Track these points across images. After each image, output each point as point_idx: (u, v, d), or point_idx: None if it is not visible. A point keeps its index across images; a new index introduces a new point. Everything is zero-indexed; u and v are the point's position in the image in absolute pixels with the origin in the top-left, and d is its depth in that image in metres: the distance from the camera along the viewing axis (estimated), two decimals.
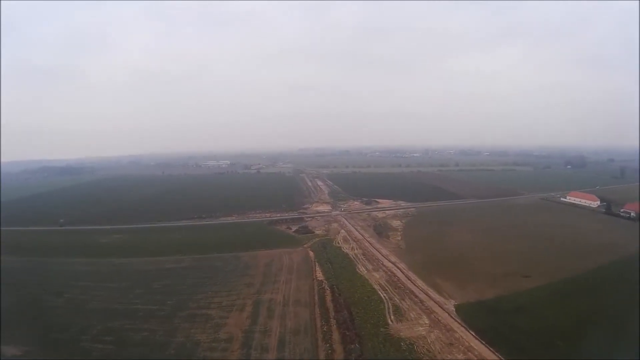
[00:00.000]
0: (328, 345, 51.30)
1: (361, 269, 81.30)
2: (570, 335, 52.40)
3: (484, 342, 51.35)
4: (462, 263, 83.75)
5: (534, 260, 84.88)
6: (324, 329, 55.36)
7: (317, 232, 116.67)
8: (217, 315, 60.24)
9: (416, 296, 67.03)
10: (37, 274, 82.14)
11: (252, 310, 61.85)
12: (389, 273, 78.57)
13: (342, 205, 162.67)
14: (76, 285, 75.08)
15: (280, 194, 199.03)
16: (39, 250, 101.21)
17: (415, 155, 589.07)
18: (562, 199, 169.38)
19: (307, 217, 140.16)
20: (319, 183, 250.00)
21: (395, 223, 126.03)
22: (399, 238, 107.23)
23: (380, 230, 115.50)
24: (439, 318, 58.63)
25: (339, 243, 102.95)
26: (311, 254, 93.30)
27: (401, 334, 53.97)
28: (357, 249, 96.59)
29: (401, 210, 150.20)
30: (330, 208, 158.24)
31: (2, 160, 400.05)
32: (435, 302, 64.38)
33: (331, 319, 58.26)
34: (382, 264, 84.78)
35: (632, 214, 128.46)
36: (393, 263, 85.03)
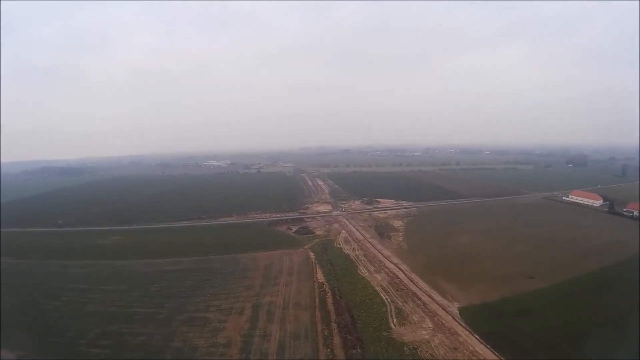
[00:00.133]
0: (329, 350, 50.14)
1: (363, 271, 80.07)
2: (576, 338, 51.45)
3: (488, 347, 50.23)
4: (465, 264, 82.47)
5: (537, 260, 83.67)
6: (325, 333, 54.20)
7: (317, 232, 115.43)
8: (215, 318, 59.11)
9: (419, 298, 65.81)
10: (35, 276, 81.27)
11: (251, 313, 60.68)
12: (391, 275, 77.33)
13: (342, 205, 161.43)
14: (74, 287, 74.23)
15: (281, 194, 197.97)
16: (36, 251, 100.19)
17: (416, 154, 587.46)
18: (564, 198, 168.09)
19: (308, 218, 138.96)
20: (320, 182, 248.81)
21: (397, 223, 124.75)
22: (401, 239, 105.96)
23: (382, 230, 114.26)
24: (443, 321, 57.43)
25: (340, 244, 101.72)
26: (312, 255, 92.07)
27: (404, 338, 52.81)
28: (358, 250, 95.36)
29: (402, 210, 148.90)
30: (331, 208, 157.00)
31: (2, 160, 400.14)
32: (438, 304, 63.19)
33: (332, 323, 57.07)
34: (384, 265, 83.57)
35: (634, 213, 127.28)
36: (395, 264, 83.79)
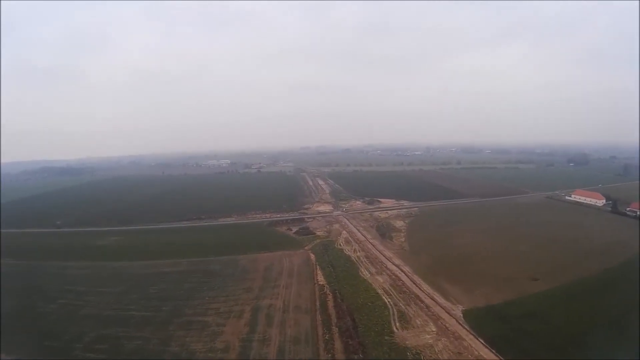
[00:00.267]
0: (330, 355, 48.87)
1: (364, 273, 78.69)
2: (583, 341, 50.20)
3: (493, 351, 48.98)
4: (469, 265, 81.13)
5: (541, 261, 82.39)
6: (326, 338, 52.88)
7: (318, 233, 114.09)
8: (213, 322, 57.83)
9: (422, 301, 64.47)
10: (32, 278, 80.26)
11: (250, 317, 59.38)
12: (393, 277, 75.95)
13: (343, 205, 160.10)
14: (70, 290, 73.13)
15: (281, 194, 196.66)
16: (34, 252, 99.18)
17: (416, 153, 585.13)
18: (567, 197, 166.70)
19: (308, 218, 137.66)
20: (320, 182, 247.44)
21: (398, 223, 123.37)
22: (403, 239, 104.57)
23: (383, 231, 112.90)
24: (447, 325, 56.10)
25: (340, 245, 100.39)
26: (312, 256, 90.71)
27: (407, 342, 51.49)
28: (359, 251, 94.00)
29: (404, 210, 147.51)
30: (332, 208, 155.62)
31: (2, 160, 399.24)
32: (442, 307, 61.86)
33: (333, 327, 55.73)
34: (386, 266, 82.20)
35: (638, 213, 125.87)
36: (397, 266, 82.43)
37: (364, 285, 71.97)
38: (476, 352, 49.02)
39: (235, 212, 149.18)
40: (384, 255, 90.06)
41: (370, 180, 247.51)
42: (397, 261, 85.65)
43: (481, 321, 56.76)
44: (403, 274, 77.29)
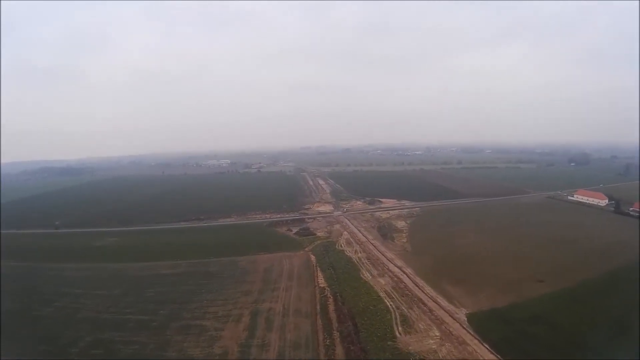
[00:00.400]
0: None
1: (366, 275, 77.30)
2: (590, 345, 48.84)
3: (498, 356, 47.62)
4: (472, 267, 79.69)
5: (545, 262, 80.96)
6: (327, 343, 51.50)
7: (318, 234, 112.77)
8: (212, 326, 56.53)
9: (425, 304, 63.05)
10: (29, 280, 79.16)
11: (249, 321, 58.04)
12: (395, 279, 74.54)
13: (344, 206, 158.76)
14: (68, 292, 72.04)
15: (281, 194, 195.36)
16: (33, 254, 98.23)
17: (417, 153, 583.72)
18: (569, 197, 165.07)
19: (309, 218, 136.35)
20: (321, 182, 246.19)
21: (400, 224, 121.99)
22: (405, 240, 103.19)
23: (385, 231, 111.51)
24: (450, 329, 54.69)
25: (341, 246, 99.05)
26: (312, 258, 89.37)
27: (410, 347, 50.13)
28: (360, 253, 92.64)
29: (405, 210, 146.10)
30: (332, 208, 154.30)
31: (2, 160, 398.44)
32: (445, 311, 60.42)
33: (334, 331, 54.37)
34: (388, 268, 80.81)
35: None
36: (399, 267, 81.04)
37: (365, 287, 70.61)
38: (481, 357, 47.69)
39: (235, 212, 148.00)
40: (385, 257, 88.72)
41: (371, 180, 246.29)
42: (399, 263, 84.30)
43: (486, 325, 55.37)
44: (405, 276, 75.93)
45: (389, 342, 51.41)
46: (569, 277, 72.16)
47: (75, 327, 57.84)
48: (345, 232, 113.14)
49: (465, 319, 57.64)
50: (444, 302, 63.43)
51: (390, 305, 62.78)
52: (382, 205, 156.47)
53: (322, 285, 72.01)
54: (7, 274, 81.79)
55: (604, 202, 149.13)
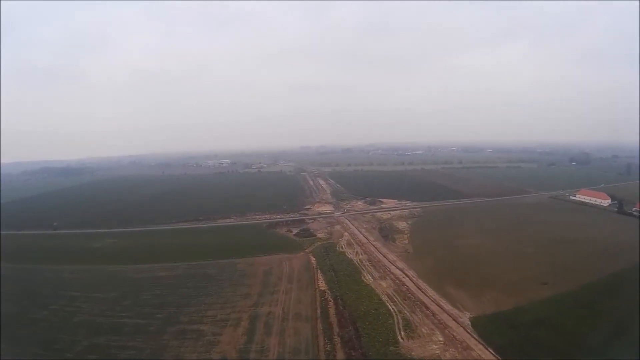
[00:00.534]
0: None
1: (367, 277, 75.93)
2: (597, 350, 47.36)
3: None
4: (475, 269, 78.35)
5: (549, 264, 79.62)
6: (327, 348, 50.21)
7: (319, 235, 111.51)
8: (210, 331, 55.27)
9: (428, 308, 61.69)
10: (25, 282, 77.98)
11: (248, 325, 56.76)
12: (397, 281, 73.16)
13: (345, 206, 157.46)
14: (64, 295, 71.05)
15: (281, 194, 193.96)
16: (30, 255, 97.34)
17: (418, 152, 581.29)
18: (571, 197, 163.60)
19: (309, 219, 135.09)
20: (321, 182, 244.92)
21: (401, 225, 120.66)
22: (406, 241, 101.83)
23: (386, 232, 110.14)
24: (454, 334, 53.35)
25: (342, 247, 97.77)
26: (313, 259, 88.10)
27: (413, 353, 48.77)
28: (361, 254, 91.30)
29: (407, 210, 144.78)
30: (333, 209, 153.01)
31: (2, 161, 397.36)
32: (449, 314, 59.05)
33: (335, 336, 53.07)
34: (389, 270, 79.48)
35: None
36: (401, 270, 79.68)
37: (366, 290, 69.20)
38: None
39: (234, 212, 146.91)
40: (387, 259, 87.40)
41: (371, 180, 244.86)
42: (400, 265, 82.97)
43: (490, 329, 54.03)
44: (407, 279, 74.58)
45: (391, 347, 50.06)
46: (573, 279, 70.67)
47: (72, 331, 56.79)
48: (346, 233, 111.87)
49: (469, 322, 56.26)
50: (447, 306, 62.08)
51: (393, 308, 61.41)
52: (383, 206, 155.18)
53: (322, 288, 70.71)
54: (7, 275, 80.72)
55: (606, 202, 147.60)
